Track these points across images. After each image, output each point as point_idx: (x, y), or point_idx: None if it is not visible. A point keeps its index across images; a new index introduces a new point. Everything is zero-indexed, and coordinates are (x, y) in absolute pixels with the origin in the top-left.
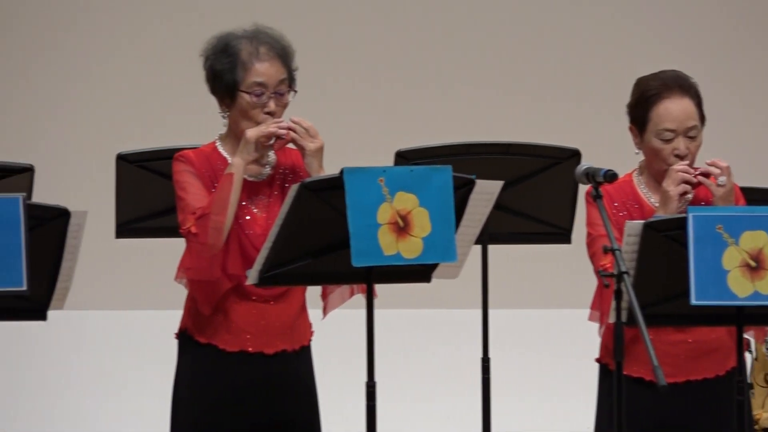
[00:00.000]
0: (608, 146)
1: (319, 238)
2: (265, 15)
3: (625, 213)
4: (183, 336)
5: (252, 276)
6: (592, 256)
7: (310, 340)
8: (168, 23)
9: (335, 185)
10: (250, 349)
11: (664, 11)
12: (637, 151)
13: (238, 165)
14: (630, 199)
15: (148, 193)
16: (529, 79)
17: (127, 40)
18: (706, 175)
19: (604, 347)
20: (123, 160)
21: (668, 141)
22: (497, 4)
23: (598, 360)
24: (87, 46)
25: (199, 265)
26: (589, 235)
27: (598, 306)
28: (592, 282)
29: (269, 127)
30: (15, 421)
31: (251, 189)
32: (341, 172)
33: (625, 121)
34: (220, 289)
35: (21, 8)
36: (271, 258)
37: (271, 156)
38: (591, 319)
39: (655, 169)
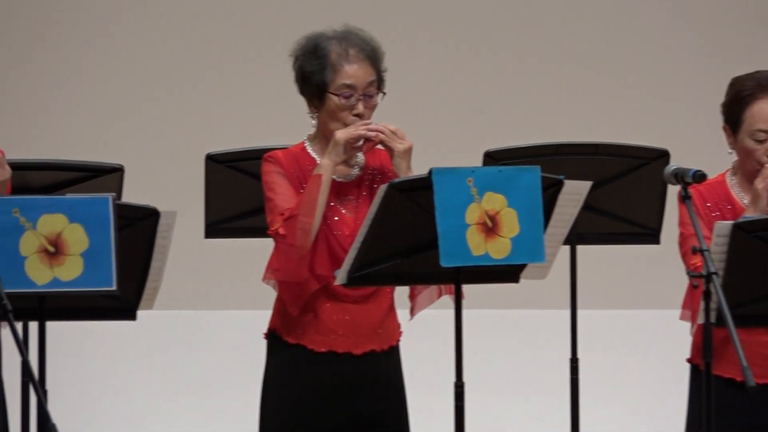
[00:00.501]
0: (697, 146)
1: (408, 238)
2: (354, 16)
3: (717, 213)
4: (272, 336)
5: (340, 276)
6: (683, 256)
7: (398, 341)
8: (257, 23)
9: (424, 185)
10: (339, 349)
11: (762, 10)
12: (730, 150)
13: (326, 166)
14: (722, 199)
15: (237, 194)
16: (618, 78)
17: (217, 41)
18: None
19: (695, 347)
20: (212, 160)
21: (761, 141)
22: (586, 2)
23: (689, 360)
24: (177, 46)
25: (287, 266)
26: (681, 234)
27: (690, 305)
28: (681, 282)
29: (358, 129)
30: (103, 421)
31: (340, 190)
32: (430, 172)
33: (714, 120)
34: (308, 289)
35: (112, 12)
36: (360, 258)
37: (360, 157)
38: (682, 318)
39: (747, 169)
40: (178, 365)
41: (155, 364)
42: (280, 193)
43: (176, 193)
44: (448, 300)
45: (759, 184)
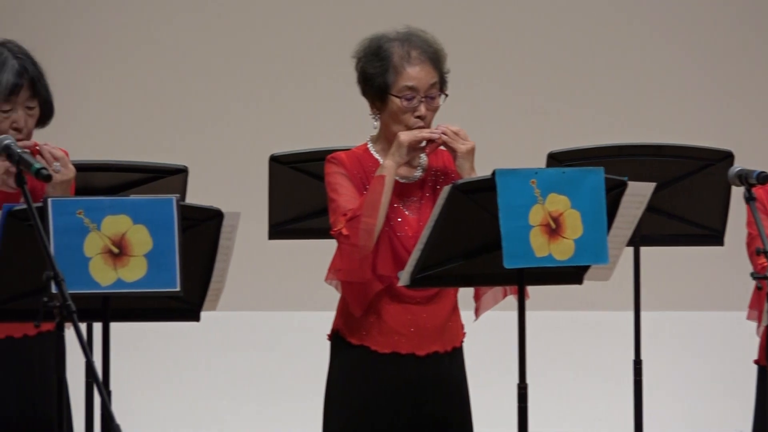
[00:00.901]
0: (762, 147)
1: (471, 239)
2: (417, 17)
3: None
4: (335, 337)
5: (404, 277)
6: (750, 257)
7: (462, 342)
8: (320, 25)
9: (487, 187)
10: (403, 350)
11: None
12: None
13: (389, 167)
14: None
15: (300, 195)
16: (682, 79)
17: (281, 43)
18: None
19: (762, 348)
20: (276, 161)
21: None
22: (648, 3)
23: (756, 362)
24: (242, 48)
25: (350, 267)
26: (748, 235)
27: (756, 306)
28: (746, 283)
29: (422, 132)
30: (167, 422)
31: (403, 191)
32: (493, 173)
33: None
34: (371, 290)
35: (176, 14)
36: (423, 259)
37: (423, 158)
38: (749, 317)
39: None
40: (242, 366)
41: (219, 365)
42: (343, 194)
43: (240, 194)
44: (512, 300)
45: None
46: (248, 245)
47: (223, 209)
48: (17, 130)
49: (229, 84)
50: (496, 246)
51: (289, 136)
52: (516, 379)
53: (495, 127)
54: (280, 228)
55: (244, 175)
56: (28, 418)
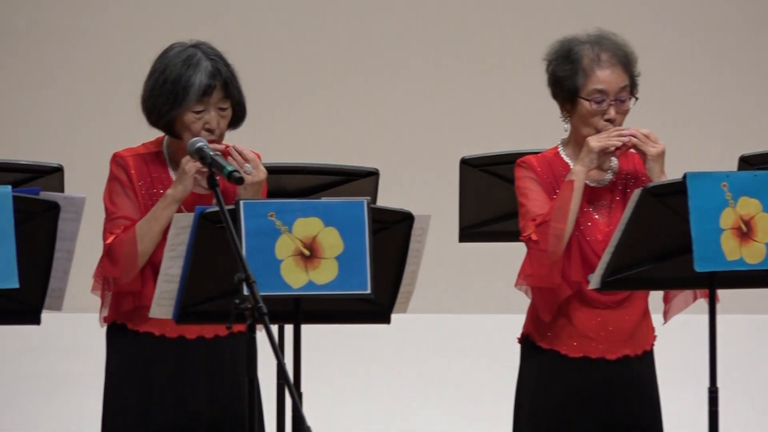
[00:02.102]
0: None
1: (661, 242)
2: (609, 21)
3: None
4: (526, 341)
5: (594, 281)
6: None
7: (652, 345)
8: (505, 26)
9: (678, 190)
10: (593, 354)
11: None
12: None
13: (578, 172)
14: None
15: (491, 198)
16: None
17: (470, 46)
18: None
19: None
20: (467, 164)
21: None
22: None
23: None
24: (433, 53)
25: (539, 272)
26: None
27: None
28: None
29: (611, 139)
30: (357, 424)
31: (593, 195)
32: (684, 177)
33: None
34: (560, 295)
35: (364, 16)
36: (614, 263)
37: (614, 162)
38: None
39: None
40: (432, 369)
41: (409, 368)
42: (533, 198)
43: (430, 196)
44: (702, 304)
45: None
46: (439, 248)
47: (414, 212)
48: (209, 131)
49: (420, 87)
50: (686, 249)
51: (479, 139)
52: (707, 383)
53: (686, 130)
54: (471, 231)
55: (434, 177)
56: (219, 417)
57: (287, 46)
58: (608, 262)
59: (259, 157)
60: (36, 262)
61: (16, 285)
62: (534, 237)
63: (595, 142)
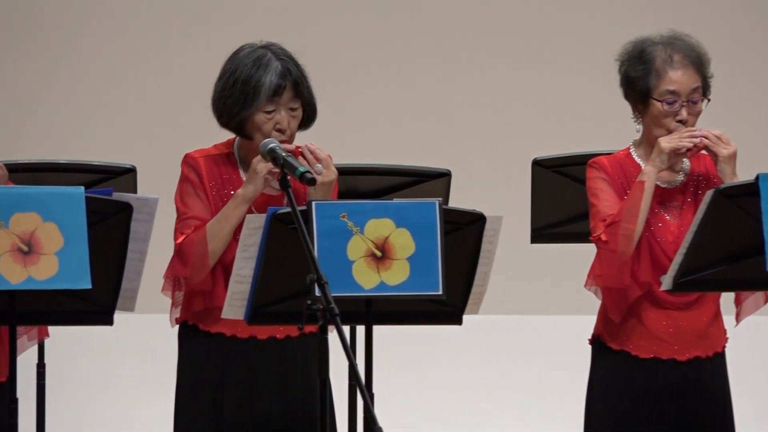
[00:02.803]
0: None
1: (734, 243)
2: (678, 20)
3: None
4: (596, 342)
5: (666, 282)
6: None
7: (724, 347)
8: (584, 27)
9: (750, 191)
10: (663, 356)
11: None
12: None
13: (649, 173)
14: None
15: (562, 198)
16: None
17: (543, 45)
18: None
19: None
20: (539, 165)
21: None
22: None
23: None
24: (500, 51)
25: (609, 273)
26: None
27: None
28: None
29: (682, 139)
30: (429, 424)
31: (664, 196)
32: (757, 178)
33: None
34: (630, 296)
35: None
36: (686, 264)
37: (686, 163)
38: None
39: None
40: (503, 369)
41: (480, 369)
42: (604, 199)
43: (502, 197)
44: None
45: None
46: (510, 249)
47: (486, 213)
48: (280, 131)
49: (493, 88)
50: (759, 250)
51: (551, 140)
52: None
53: (758, 131)
54: (543, 232)
55: (506, 178)
56: (290, 418)
57: (360, 46)
58: (680, 264)
59: (330, 157)
60: (109, 263)
61: (89, 286)
62: (604, 237)
63: (666, 143)
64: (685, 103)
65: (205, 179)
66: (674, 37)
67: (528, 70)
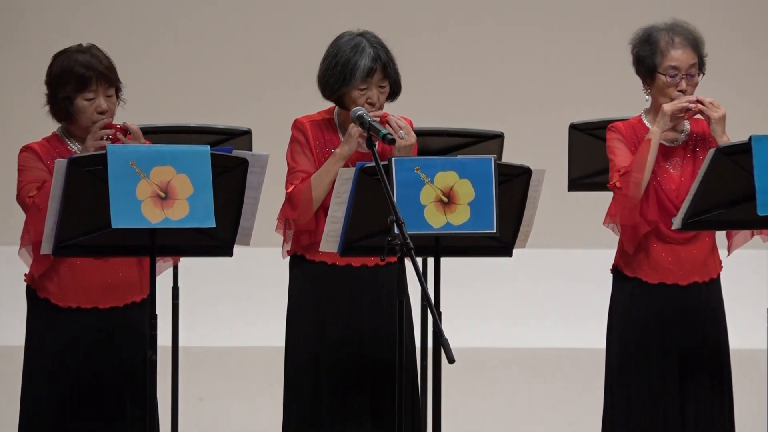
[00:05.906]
0: None
1: (731, 191)
2: (682, 11)
3: None
4: (615, 270)
5: (676, 222)
6: None
7: (719, 274)
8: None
9: (745, 150)
10: (668, 281)
11: None
12: None
13: (655, 132)
14: None
15: (593, 155)
16: None
17: (580, 19)
18: None
19: None
20: (574, 128)
21: None
22: None
23: None
24: (551, 24)
25: (621, 213)
26: None
27: None
28: None
29: (680, 102)
30: (490, 336)
31: (668, 152)
32: (750, 139)
33: None
34: (640, 231)
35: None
36: (693, 208)
37: (686, 126)
38: None
39: None
40: (546, 293)
41: (526, 292)
42: (619, 155)
43: (545, 155)
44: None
45: None
46: (551, 196)
47: (532, 167)
48: (371, 104)
49: (538, 62)
50: (751, 197)
51: (586, 105)
52: (767, 305)
53: (749, 100)
54: (577, 182)
55: (548, 139)
56: (378, 331)
57: (438, 31)
58: (688, 208)
59: (411, 124)
60: (229, 207)
61: (213, 224)
62: (618, 184)
63: (667, 106)
64: (684, 77)
65: (310, 140)
66: (675, 24)
67: (567, 41)
